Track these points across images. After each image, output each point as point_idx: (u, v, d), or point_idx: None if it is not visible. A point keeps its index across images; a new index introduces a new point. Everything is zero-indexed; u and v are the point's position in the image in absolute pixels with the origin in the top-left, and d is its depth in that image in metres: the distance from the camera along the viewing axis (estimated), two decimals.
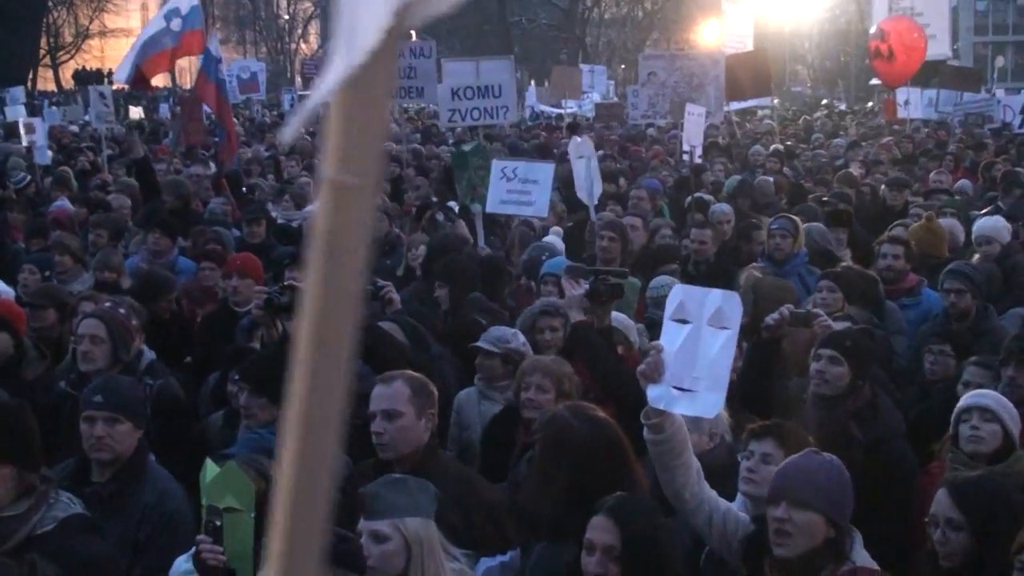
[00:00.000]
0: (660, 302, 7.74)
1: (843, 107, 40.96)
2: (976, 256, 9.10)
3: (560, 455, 4.46)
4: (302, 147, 19.14)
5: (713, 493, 4.44)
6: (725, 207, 11.65)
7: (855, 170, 15.44)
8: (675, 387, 4.28)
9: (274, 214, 12.82)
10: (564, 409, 4.69)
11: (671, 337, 4.34)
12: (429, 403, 4.82)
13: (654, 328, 7.03)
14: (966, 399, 5.26)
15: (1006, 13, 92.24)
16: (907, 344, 7.79)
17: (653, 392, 4.28)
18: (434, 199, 12.95)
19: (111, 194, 13.46)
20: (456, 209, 11.42)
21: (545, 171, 11.03)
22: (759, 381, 6.35)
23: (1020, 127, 23.12)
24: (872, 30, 26.19)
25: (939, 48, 25.64)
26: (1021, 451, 5.08)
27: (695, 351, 4.29)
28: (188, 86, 43.38)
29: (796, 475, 4.09)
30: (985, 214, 10.65)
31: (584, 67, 36.37)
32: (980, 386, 5.72)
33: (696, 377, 4.27)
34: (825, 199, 12.35)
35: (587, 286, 6.51)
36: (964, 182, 14.57)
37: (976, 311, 7.53)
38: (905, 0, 25.48)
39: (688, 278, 9.01)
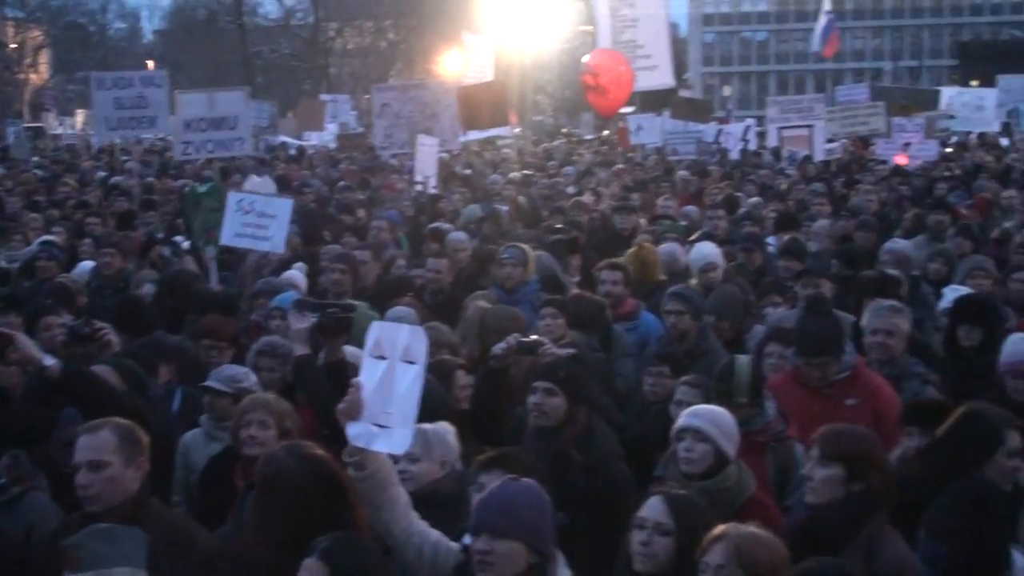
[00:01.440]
0: None
1: (588, 136, 41.97)
2: (694, 281, 9.41)
3: (276, 495, 4.39)
4: (25, 179, 18.31)
5: (423, 525, 4.44)
6: (461, 235, 11.73)
7: (587, 197, 15.86)
8: (374, 424, 4.30)
9: None
10: (281, 448, 4.61)
11: (370, 374, 4.37)
12: (138, 451, 4.64)
13: None
14: (681, 419, 5.40)
15: (732, 45, 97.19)
16: (633, 366, 7.99)
17: (352, 430, 4.29)
18: (159, 235, 12.57)
19: None
20: (186, 245, 11.14)
21: (283, 206, 10.84)
22: (488, 410, 6.43)
23: (738, 154, 24.33)
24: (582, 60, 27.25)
25: (663, 78, 26.71)
26: (732, 467, 5.25)
27: (391, 387, 4.32)
28: None
29: (495, 505, 4.16)
30: (696, 239, 11.05)
31: (326, 97, 36.14)
32: (691, 405, 5.89)
33: (390, 413, 4.30)
34: (558, 227, 12.60)
35: (314, 320, 6.45)
36: (691, 208, 15.14)
37: (696, 332, 7.81)
38: (627, 33, 26.41)
39: (425, 308, 9.05)
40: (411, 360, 4.35)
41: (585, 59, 27.23)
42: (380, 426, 4.27)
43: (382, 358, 4.36)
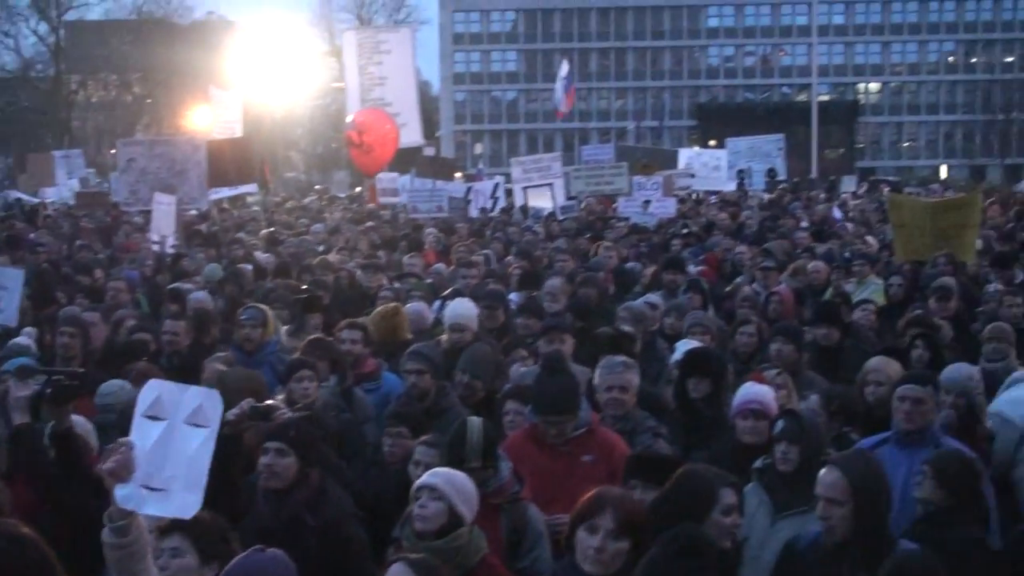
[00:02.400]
0: (108, 408, 7.44)
1: (343, 194, 41.79)
2: (444, 337, 9.45)
3: None
4: None
5: None
6: (202, 295, 11.49)
7: (334, 256, 15.77)
8: (145, 487, 4.13)
9: None
10: None
11: (143, 434, 4.20)
12: None
13: (102, 432, 6.74)
14: (421, 478, 5.38)
15: (482, 104, 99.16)
16: (375, 429, 7.92)
17: (121, 492, 4.10)
18: None
19: None
20: None
21: (13, 277, 10.53)
22: (222, 477, 6.24)
23: (492, 210, 24.74)
24: (348, 119, 27.29)
25: (412, 136, 26.97)
26: (465, 528, 5.25)
27: (168, 449, 4.17)
28: None
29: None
30: (447, 296, 11.14)
31: (58, 153, 34.75)
32: (429, 465, 5.88)
33: (170, 476, 4.14)
34: (304, 286, 12.48)
35: (37, 388, 6.14)
36: (439, 265, 15.23)
37: (435, 390, 7.82)
38: (375, 91, 26.62)
39: (163, 372, 8.76)
40: (200, 423, 4.22)
41: (350, 117, 27.18)
42: (153, 489, 4.10)
43: (156, 419, 4.20)
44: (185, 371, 9.00)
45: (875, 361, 7.87)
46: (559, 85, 35.70)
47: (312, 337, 8.73)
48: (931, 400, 6.63)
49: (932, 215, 14.50)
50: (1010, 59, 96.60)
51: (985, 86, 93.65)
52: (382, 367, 8.76)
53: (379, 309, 10.12)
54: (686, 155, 38.32)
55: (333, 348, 8.35)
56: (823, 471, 5.29)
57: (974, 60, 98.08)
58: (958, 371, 7.57)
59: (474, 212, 23.88)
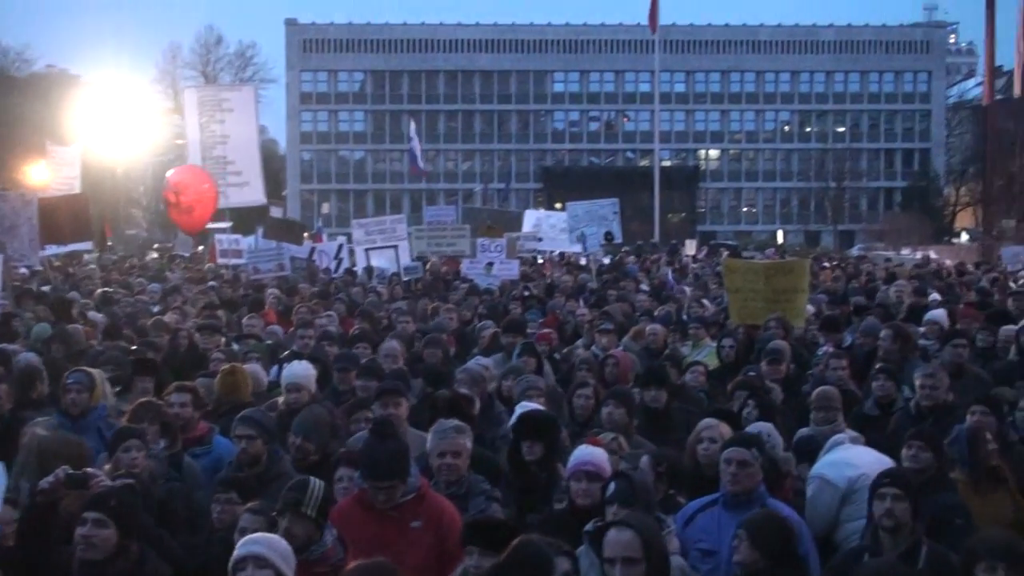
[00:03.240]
0: None
1: (187, 252, 40.93)
2: (282, 400, 9.33)
3: None
4: None
5: None
6: (31, 356, 11.12)
7: (171, 316, 15.40)
8: None
9: None
10: None
11: None
12: None
13: None
14: (239, 549, 5.24)
15: (329, 163, 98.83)
16: (205, 496, 7.70)
17: None
18: None
19: None
20: None
21: None
22: (36, 548, 6.02)
23: (336, 271, 24.58)
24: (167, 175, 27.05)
25: (254, 195, 26.73)
26: None
27: None
28: None
29: None
30: (284, 358, 11.00)
31: None
32: (255, 532, 5.75)
33: None
34: (135, 347, 12.16)
35: None
36: (276, 327, 15.02)
37: (267, 456, 7.67)
38: (217, 149, 26.38)
39: None
40: None
41: (169, 174, 26.84)
42: None
43: None
44: (7, 436, 8.66)
45: (708, 420, 7.99)
46: (416, 148, 35.85)
47: (141, 400, 8.49)
48: (756, 462, 6.74)
49: (766, 277, 14.83)
50: (841, 129, 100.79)
51: (819, 155, 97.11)
52: (214, 431, 8.56)
53: (224, 369, 9.98)
54: (534, 217, 38.62)
55: (163, 411, 8.14)
56: (612, 532, 5.33)
57: (808, 129, 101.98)
58: (752, 429, 7.75)
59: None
